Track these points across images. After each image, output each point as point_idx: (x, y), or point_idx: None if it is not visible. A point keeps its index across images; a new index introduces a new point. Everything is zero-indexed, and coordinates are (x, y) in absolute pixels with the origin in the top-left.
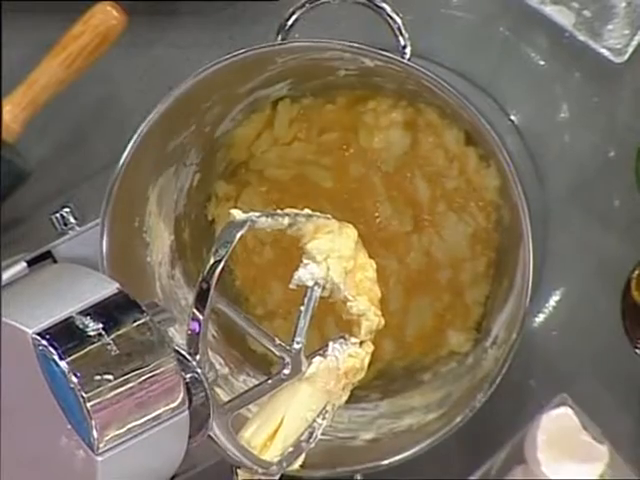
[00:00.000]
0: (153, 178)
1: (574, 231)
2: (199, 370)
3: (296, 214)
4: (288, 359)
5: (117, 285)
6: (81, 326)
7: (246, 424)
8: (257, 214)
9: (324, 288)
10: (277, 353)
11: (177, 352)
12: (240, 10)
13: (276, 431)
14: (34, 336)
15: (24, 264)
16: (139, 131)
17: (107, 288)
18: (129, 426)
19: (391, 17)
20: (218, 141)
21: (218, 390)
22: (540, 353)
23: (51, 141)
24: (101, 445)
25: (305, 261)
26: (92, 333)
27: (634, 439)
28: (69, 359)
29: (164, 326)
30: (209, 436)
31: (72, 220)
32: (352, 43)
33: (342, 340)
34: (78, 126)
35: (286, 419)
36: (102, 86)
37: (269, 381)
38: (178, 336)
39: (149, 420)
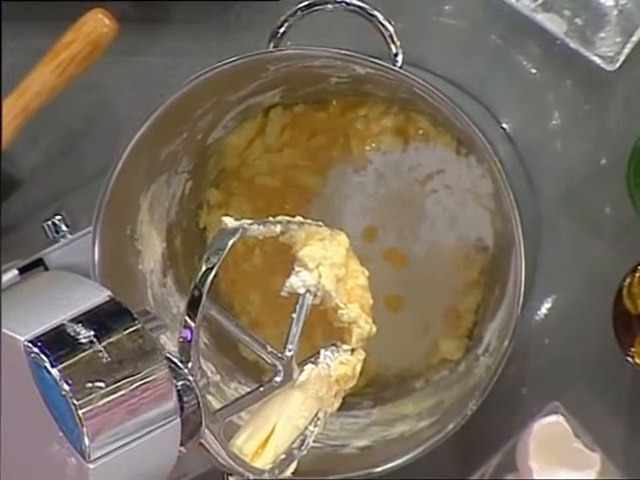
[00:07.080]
0: (145, 186)
1: (566, 238)
2: (191, 378)
3: (288, 221)
4: (280, 366)
5: (109, 293)
6: (73, 334)
7: (238, 432)
8: (249, 221)
9: (316, 295)
10: (269, 360)
11: (169, 360)
12: (232, 18)
13: (268, 439)
14: (26, 343)
15: (16, 272)
16: (131, 139)
17: (99, 296)
18: (121, 433)
19: (383, 25)
20: (210, 149)
21: (210, 398)
22: (532, 361)
23: (43, 149)
24: (93, 452)
25: (297, 268)
26: (84, 340)
27: (626, 446)
28: (61, 366)
29: (156, 334)
30: (201, 443)
31: (64, 228)
32: (344, 51)
33: (333, 347)
34: (70, 134)
35: (278, 426)
36: (94, 94)
37: (261, 388)
38: (170, 344)
39: (141, 427)
